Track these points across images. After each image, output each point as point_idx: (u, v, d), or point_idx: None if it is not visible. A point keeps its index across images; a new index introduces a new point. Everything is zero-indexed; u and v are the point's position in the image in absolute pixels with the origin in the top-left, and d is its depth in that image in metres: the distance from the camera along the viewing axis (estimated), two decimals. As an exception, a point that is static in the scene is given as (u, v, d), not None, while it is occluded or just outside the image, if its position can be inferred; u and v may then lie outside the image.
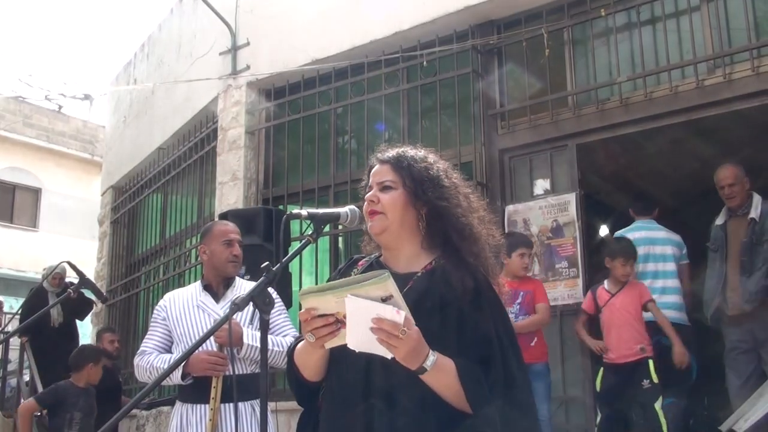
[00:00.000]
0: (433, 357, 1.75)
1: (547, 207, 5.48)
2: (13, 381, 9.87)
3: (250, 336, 3.39)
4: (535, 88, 5.79)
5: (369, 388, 1.86)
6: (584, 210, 5.45)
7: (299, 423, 2.20)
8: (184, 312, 3.54)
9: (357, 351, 1.74)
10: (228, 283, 3.62)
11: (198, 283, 3.68)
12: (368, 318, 1.67)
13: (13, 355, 10.27)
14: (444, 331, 1.84)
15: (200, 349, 3.10)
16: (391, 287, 1.67)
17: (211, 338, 3.34)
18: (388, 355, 1.71)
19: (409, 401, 1.83)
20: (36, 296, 8.35)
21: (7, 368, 10.13)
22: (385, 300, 1.67)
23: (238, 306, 1.80)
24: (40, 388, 7.26)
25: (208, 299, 3.57)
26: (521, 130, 5.78)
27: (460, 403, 1.80)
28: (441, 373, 1.77)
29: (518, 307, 4.77)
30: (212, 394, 3.33)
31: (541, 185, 5.68)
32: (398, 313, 1.66)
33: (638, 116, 5.33)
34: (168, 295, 3.70)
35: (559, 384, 5.21)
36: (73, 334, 8.53)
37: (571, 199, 5.39)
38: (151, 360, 3.46)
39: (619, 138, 5.62)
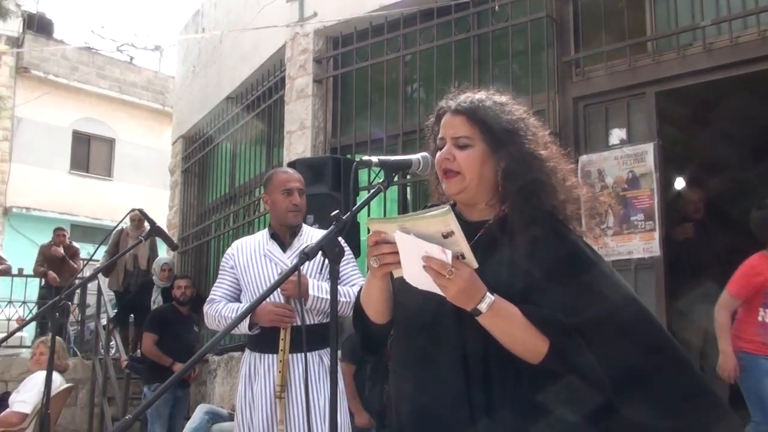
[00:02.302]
0: (490, 299, 1.65)
1: (622, 157, 5.28)
2: (91, 324, 10.23)
3: (316, 287, 3.36)
4: (612, 33, 5.54)
5: (426, 361, 1.80)
6: (663, 161, 5.23)
7: (370, 371, 2.18)
8: (252, 260, 3.54)
9: (416, 287, 1.70)
10: (295, 231, 3.59)
11: (265, 231, 3.67)
12: (419, 255, 1.62)
13: (91, 299, 10.63)
14: (510, 283, 1.74)
15: (268, 299, 3.09)
16: (451, 222, 1.60)
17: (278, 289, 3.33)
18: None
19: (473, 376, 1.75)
20: (144, 288, 8.38)
21: (85, 312, 10.49)
22: (446, 236, 1.61)
23: (307, 255, 1.74)
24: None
25: (275, 248, 3.55)
26: (597, 78, 5.56)
27: (526, 353, 1.70)
28: (498, 318, 1.67)
29: None
30: (281, 346, 3.33)
31: (617, 135, 5.46)
32: (444, 252, 1.60)
33: (723, 62, 5.05)
34: (236, 243, 3.70)
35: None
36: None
37: (648, 149, 5.17)
38: (219, 308, 3.48)
39: (702, 86, 5.36)
